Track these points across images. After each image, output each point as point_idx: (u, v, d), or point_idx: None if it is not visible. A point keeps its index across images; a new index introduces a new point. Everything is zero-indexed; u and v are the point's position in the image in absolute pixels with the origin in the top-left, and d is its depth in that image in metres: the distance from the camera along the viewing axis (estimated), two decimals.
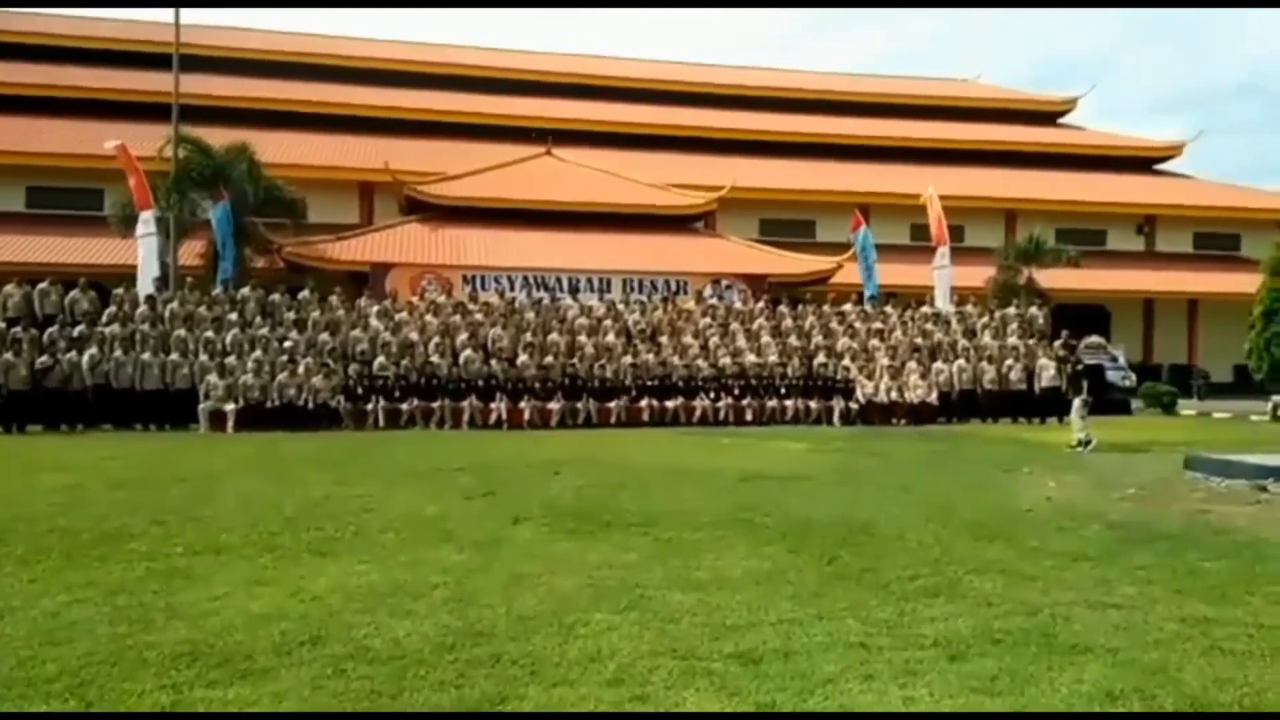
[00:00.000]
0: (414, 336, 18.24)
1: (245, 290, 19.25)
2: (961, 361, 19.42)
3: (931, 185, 25.81)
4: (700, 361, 18.74)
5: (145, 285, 19.74)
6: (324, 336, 17.84)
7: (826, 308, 21.75)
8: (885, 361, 19.12)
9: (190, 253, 23.68)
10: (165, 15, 25.05)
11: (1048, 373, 18.60)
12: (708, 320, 20.53)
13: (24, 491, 8.46)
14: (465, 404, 16.90)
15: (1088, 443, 13.10)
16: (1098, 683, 3.85)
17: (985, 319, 21.46)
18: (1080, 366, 15.33)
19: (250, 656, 4.11)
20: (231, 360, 16.57)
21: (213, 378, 16.11)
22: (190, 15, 26.88)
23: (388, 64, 38.01)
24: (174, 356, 16.37)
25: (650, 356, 18.57)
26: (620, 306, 20.93)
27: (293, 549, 6.29)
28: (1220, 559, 6.15)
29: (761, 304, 21.97)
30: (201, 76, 28.82)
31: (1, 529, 6.75)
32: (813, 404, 18.32)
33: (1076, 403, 13.87)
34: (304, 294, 19.26)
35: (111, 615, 4.73)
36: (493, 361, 17.81)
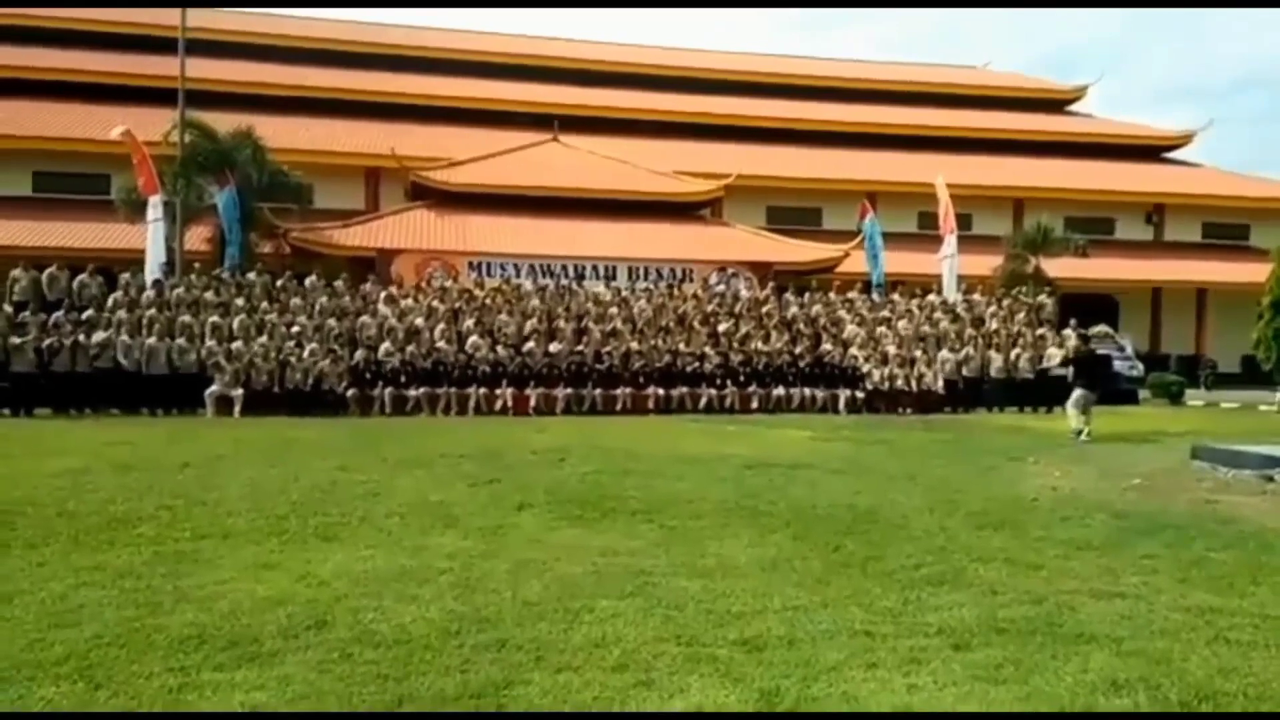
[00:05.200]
0: (420, 323, 18.23)
1: (251, 275, 19.27)
2: (969, 350, 19.38)
3: (939, 173, 25.69)
4: (707, 349, 18.71)
5: (153, 270, 19.77)
6: (330, 322, 17.85)
7: (833, 296, 21.70)
8: (892, 350, 19.07)
9: (197, 238, 23.68)
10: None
11: (1055, 361, 18.54)
12: (714, 308, 20.49)
13: (31, 475, 8.49)
14: (471, 390, 16.91)
15: (1081, 432, 13.10)
16: (1102, 672, 3.85)
17: (993, 308, 21.40)
18: (1087, 357, 15.26)
19: (257, 640, 4.14)
20: (238, 345, 16.59)
21: (220, 362, 16.13)
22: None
23: (394, 49, 37.88)
24: (180, 341, 16.38)
25: (657, 343, 18.55)
26: (627, 294, 20.89)
27: (299, 534, 6.32)
28: (1226, 549, 6.15)
29: (768, 292, 21.92)
30: (207, 61, 28.70)
31: (9, 512, 6.79)
32: (818, 392, 18.29)
33: (1076, 393, 13.81)
34: (310, 279, 19.28)
35: (119, 598, 4.75)
36: (499, 348, 17.80)
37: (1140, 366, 26.31)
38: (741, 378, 18.29)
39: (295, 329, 17.43)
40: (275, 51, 35.92)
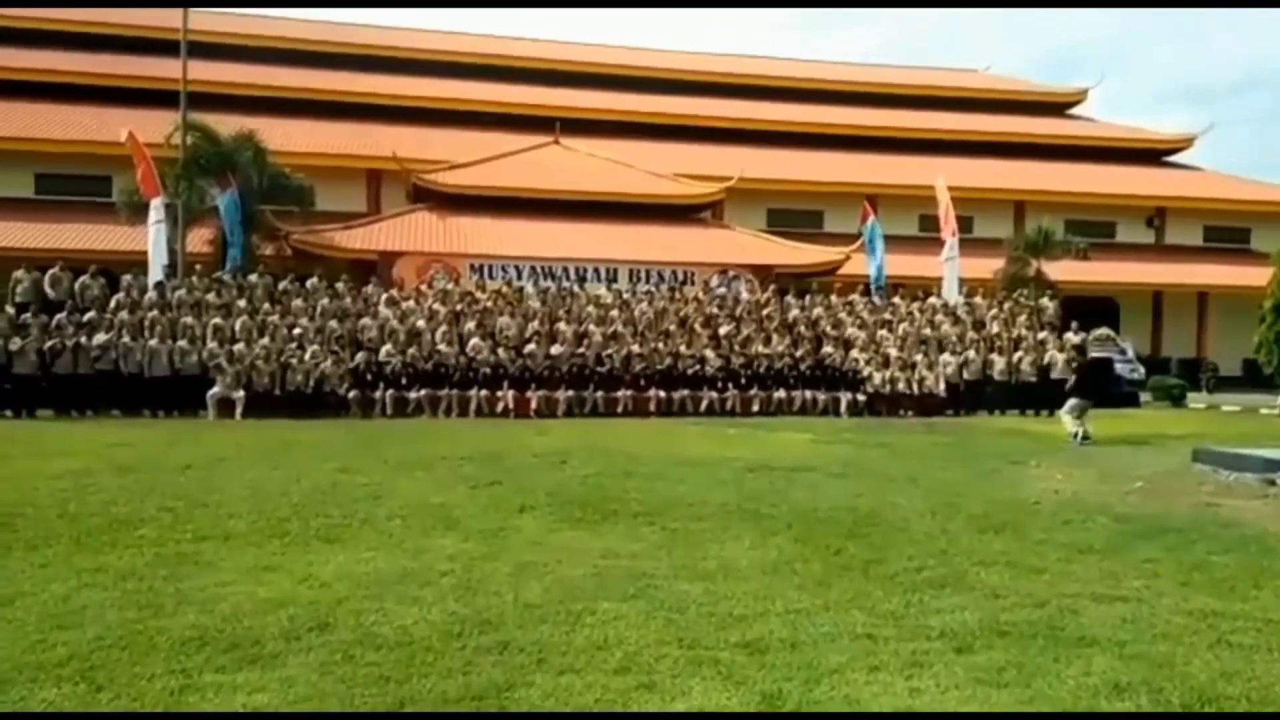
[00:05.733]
0: (421, 325, 18.24)
1: (253, 277, 19.27)
2: (970, 353, 19.35)
3: (940, 176, 25.70)
4: (707, 352, 18.71)
5: (155, 272, 19.78)
6: (332, 324, 17.85)
7: (834, 298, 21.69)
8: (893, 353, 19.05)
9: (198, 240, 23.70)
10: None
11: (1058, 365, 18.51)
12: (715, 310, 20.49)
13: (33, 477, 8.50)
14: (472, 392, 16.91)
15: (1077, 434, 13.09)
16: (1104, 675, 3.85)
17: (994, 310, 21.38)
18: (1086, 366, 15.26)
19: (259, 642, 4.14)
20: (240, 347, 16.60)
21: (221, 364, 16.13)
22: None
23: (395, 51, 37.92)
24: (182, 343, 16.38)
25: (658, 346, 18.55)
26: (628, 296, 20.89)
27: (301, 536, 6.32)
28: (1228, 553, 6.14)
29: (769, 294, 21.90)
30: (209, 63, 28.75)
31: (11, 514, 6.79)
32: (820, 395, 18.27)
33: (1071, 402, 13.79)
34: (312, 281, 19.29)
35: (121, 600, 4.76)
36: (500, 350, 17.81)
37: (1141, 369, 26.29)
38: (743, 380, 18.27)
39: (297, 331, 17.43)
40: (277, 54, 35.93)
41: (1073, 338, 19.32)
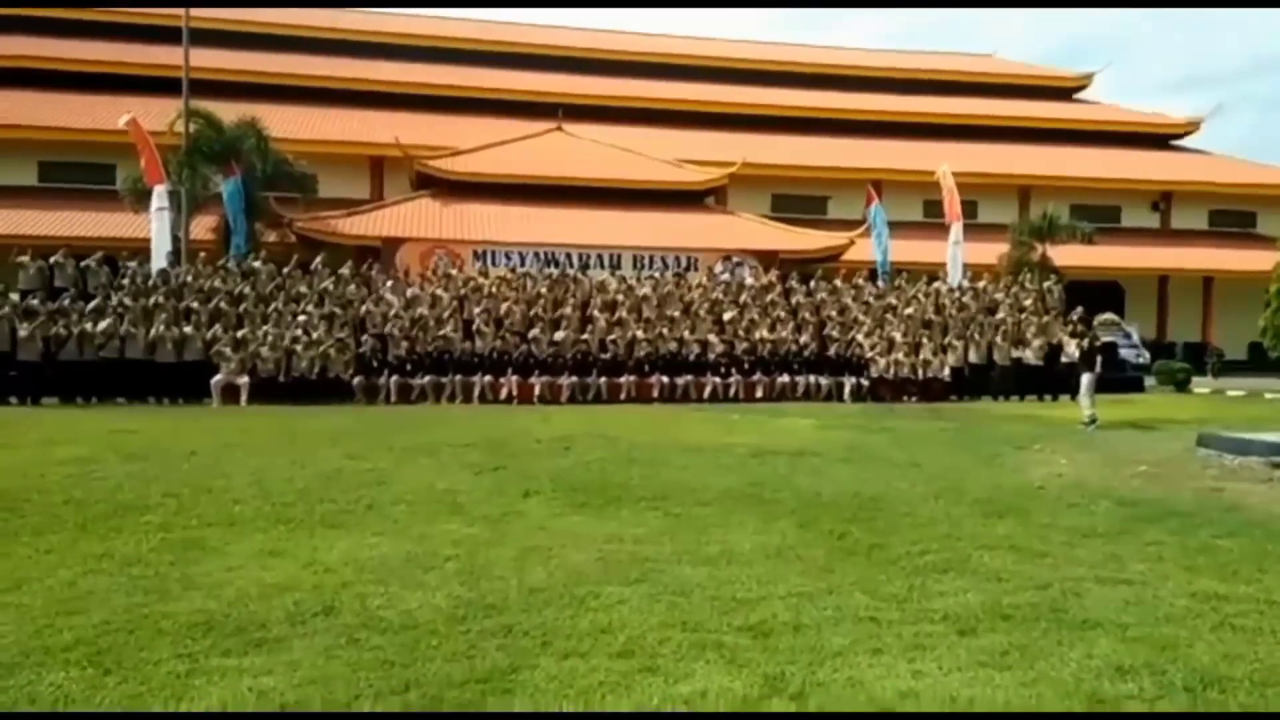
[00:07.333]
0: (425, 311, 18.24)
1: (258, 263, 19.27)
2: (975, 337, 19.29)
3: (945, 161, 25.59)
4: (711, 337, 18.69)
5: (159, 259, 19.79)
6: (336, 310, 17.86)
7: (839, 283, 21.64)
8: (898, 337, 19.02)
9: (202, 227, 23.72)
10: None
11: (1068, 349, 18.38)
12: (719, 296, 20.46)
13: (38, 463, 8.52)
14: (476, 379, 16.93)
15: (1094, 420, 13.05)
16: (1107, 658, 3.86)
17: (1000, 295, 21.31)
18: (1098, 343, 15.21)
19: (264, 626, 4.16)
20: (244, 333, 16.62)
21: (226, 350, 16.15)
22: None
23: (398, 38, 37.84)
24: (187, 329, 16.40)
25: (662, 332, 18.53)
26: (632, 282, 20.86)
27: (305, 521, 6.34)
28: (1232, 536, 6.14)
29: (773, 280, 21.86)
30: (212, 51, 28.74)
31: (17, 500, 6.82)
32: (824, 380, 18.26)
33: (1086, 379, 13.76)
34: (316, 265, 19.28)
35: (127, 585, 4.78)
36: (504, 336, 17.81)
37: (1147, 354, 26.28)
38: (746, 366, 18.27)
39: (301, 317, 17.44)
40: (279, 41, 35.86)
41: (1076, 322, 19.21)
